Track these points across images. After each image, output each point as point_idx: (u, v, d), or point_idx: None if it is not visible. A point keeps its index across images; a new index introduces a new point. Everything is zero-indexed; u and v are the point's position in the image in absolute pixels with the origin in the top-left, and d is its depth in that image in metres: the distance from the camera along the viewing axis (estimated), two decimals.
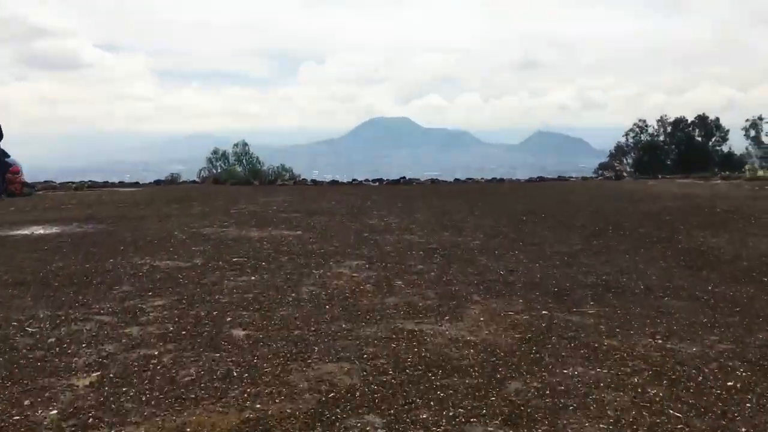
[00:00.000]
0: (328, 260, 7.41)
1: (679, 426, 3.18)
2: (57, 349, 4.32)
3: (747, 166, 41.88)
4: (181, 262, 7.36)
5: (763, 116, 40.35)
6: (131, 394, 3.57)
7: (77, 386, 3.67)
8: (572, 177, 23.21)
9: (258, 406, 3.41)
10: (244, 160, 29.98)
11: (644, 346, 4.35)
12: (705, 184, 19.80)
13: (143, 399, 3.50)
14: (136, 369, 3.90)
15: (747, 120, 41.39)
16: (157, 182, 22.10)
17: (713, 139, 42.22)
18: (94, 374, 3.83)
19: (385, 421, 3.24)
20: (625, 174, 45.87)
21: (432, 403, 3.43)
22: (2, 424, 3.22)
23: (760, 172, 22.44)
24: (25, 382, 3.75)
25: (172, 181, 24.74)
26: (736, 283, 6.25)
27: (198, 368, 3.92)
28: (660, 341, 4.45)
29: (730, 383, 3.68)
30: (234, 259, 7.43)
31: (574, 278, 6.45)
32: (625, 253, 7.87)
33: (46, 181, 21.88)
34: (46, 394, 3.58)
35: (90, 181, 21.93)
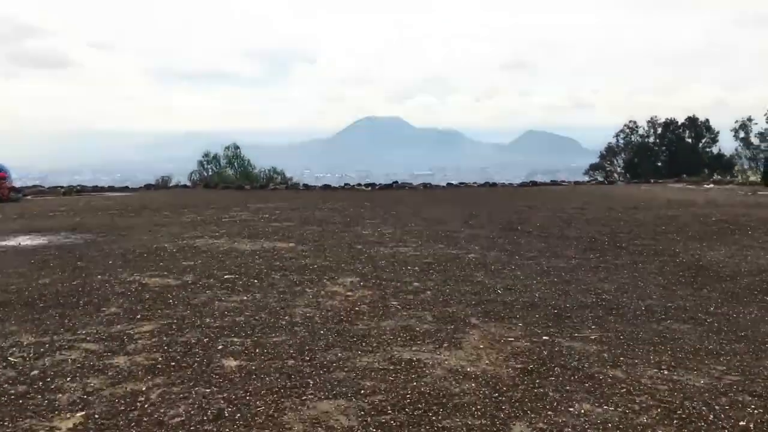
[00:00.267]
0: (321, 277, 7.24)
1: None
2: (40, 383, 4.13)
3: (736, 168, 42.12)
4: (171, 279, 7.17)
5: (752, 117, 40.52)
6: None
7: (60, 429, 3.49)
8: (564, 181, 23.12)
9: None
10: (235, 163, 29.76)
11: (650, 377, 4.20)
12: (698, 189, 19.77)
13: None
14: (122, 408, 3.72)
15: (736, 121, 41.58)
16: (148, 186, 21.88)
17: (703, 141, 42.39)
18: (79, 414, 3.65)
19: None
20: (616, 176, 46.03)
21: None
22: None
23: (753, 177, 22.40)
24: (5, 423, 3.57)
25: (163, 184, 24.53)
26: (739, 304, 6.12)
27: (188, 406, 3.74)
28: (666, 372, 4.31)
29: (742, 423, 3.54)
30: (225, 276, 7.25)
31: (574, 297, 6.31)
32: (623, 269, 7.74)
33: (34, 186, 21.63)
34: None
35: (79, 185, 21.68)
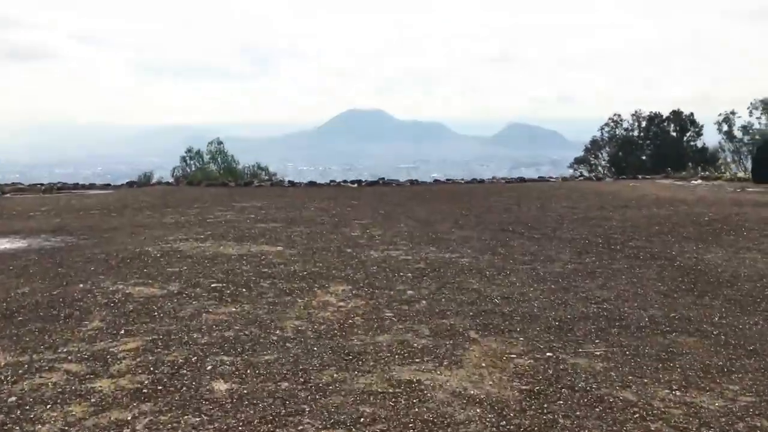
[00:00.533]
0: (312, 285, 7.01)
1: None
2: (18, 411, 3.88)
3: (720, 161, 42.38)
4: (156, 288, 6.90)
5: (735, 111, 40.78)
6: None
7: None
8: (552, 177, 22.99)
9: None
10: (219, 159, 29.37)
11: (662, 399, 4.02)
12: (686, 186, 19.72)
13: None
14: None
15: (720, 114, 41.84)
16: (130, 184, 21.45)
17: (688, 134, 42.59)
18: None
19: None
20: (601, 169, 46.09)
21: None
22: None
23: (741, 174, 22.43)
24: None
25: (145, 181, 24.12)
26: (743, 313, 5.97)
27: None
28: (678, 393, 4.13)
29: None
30: (212, 285, 6.99)
31: (574, 307, 6.13)
32: (621, 274, 7.58)
33: (13, 183, 21.16)
34: None
35: (60, 182, 21.23)
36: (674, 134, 42.33)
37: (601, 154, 45.57)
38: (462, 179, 22.62)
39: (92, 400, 4.03)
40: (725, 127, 40.93)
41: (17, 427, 3.68)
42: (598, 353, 4.89)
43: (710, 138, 41.72)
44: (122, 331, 5.41)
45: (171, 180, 25.50)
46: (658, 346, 5.03)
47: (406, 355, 4.83)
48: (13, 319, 5.82)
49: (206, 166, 28.57)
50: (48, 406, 3.95)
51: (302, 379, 4.35)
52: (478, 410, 3.87)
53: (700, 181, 20.78)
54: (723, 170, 38.19)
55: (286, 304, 6.25)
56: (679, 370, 4.55)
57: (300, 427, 3.64)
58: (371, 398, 4.04)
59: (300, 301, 6.39)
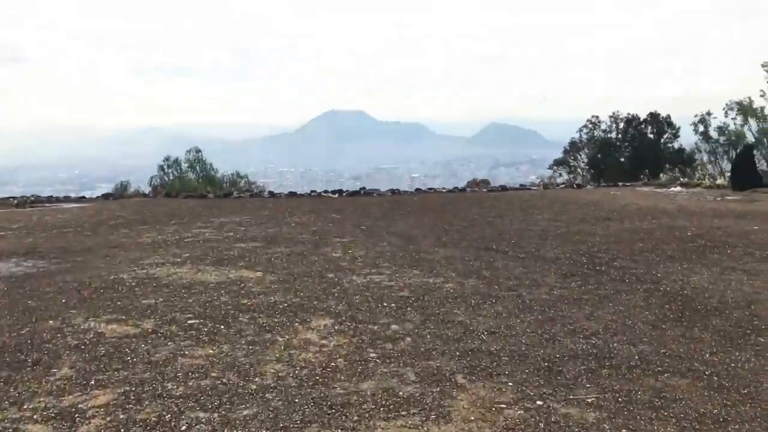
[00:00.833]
0: (293, 320, 6.78)
1: None
2: None
3: (697, 161, 42.75)
4: (130, 325, 6.64)
5: (711, 112, 41.24)
6: None
7: None
8: (534, 186, 22.93)
9: None
10: (197, 167, 29.02)
11: None
12: (666, 193, 19.74)
13: None
14: None
15: (696, 116, 42.29)
16: (106, 196, 21.05)
17: (665, 137, 43.00)
18: None
19: None
20: (580, 171, 46.31)
21: None
22: None
23: (719, 180, 22.53)
24: None
25: (122, 191, 23.73)
26: (733, 348, 5.84)
27: None
28: None
29: None
30: (189, 321, 6.74)
31: (562, 343, 5.96)
32: (608, 301, 7.44)
33: None
34: None
35: (33, 195, 20.79)
36: (651, 136, 42.74)
37: (580, 156, 45.89)
38: (444, 188, 22.49)
39: None
40: (701, 128, 41.37)
41: None
42: (589, 400, 4.72)
43: (687, 137, 42.21)
44: (92, 381, 5.15)
45: (148, 190, 25.12)
46: (651, 391, 4.88)
47: (391, 406, 4.63)
48: None
49: (184, 174, 28.20)
50: None
51: None
52: None
53: (679, 188, 20.82)
54: (701, 171, 38.52)
55: (266, 344, 6.03)
56: (674, 420, 4.39)
57: None
58: None
59: (280, 339, 6.17)
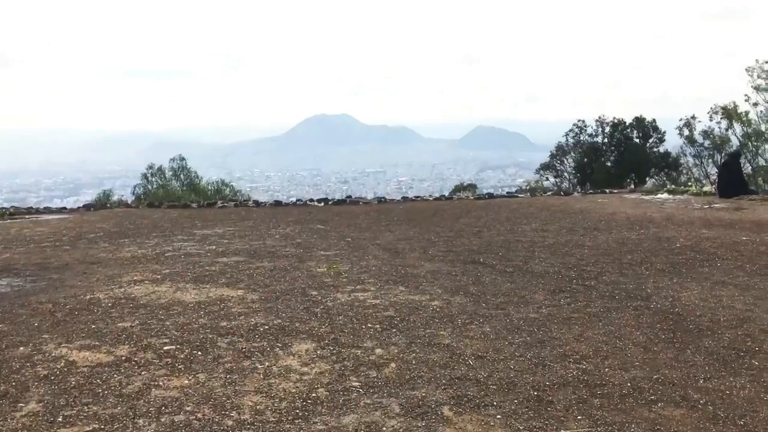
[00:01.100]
0: (273, 344, 6.55)
1: None
2: None
3: (683, 165, 42.95)
4: (103, 352, 6.37)
5: (695, 116, 41.63)
6: None
7: None
8: (520, 193, 22.80)
9: None
10: (181, 175, 28.71)
11: None
12: (653, 201, 19.65)
13: None
14: None
15: (681, 119, 42.66)
16: (87, 207, 20.67)
17: (650, 141, 43.33)
18: None
19: None
20: (568, 177, 46.45)
21: None
22: None
23: (706, 187, 22.49)
24: None
25: (105, 201, 23.38)
26: (728, 373, 5.67)
27: None
28: None
29: None
30: (165, 347, 6.49)
31: (552, 369, 5.77)
32: (598, 320, 7.26)
33: None
34: None
35: (12, 206, 20.41)
36: (637, 140, 43.02)
37: (567, 160, 46.08)
38: (431, 195, 22.31)
39: None
40: (686, 132, 41.73)
41: None
42: None
43: (671, 140, 42.55)
44: (60, 418, 4.89)
45: (131, 199, 24.79)
46: (645, 423, 4.69)
47: None
48: None
49: (168, 183, 27.88)
50: None
51: None
52: None
53: (667, 195, 20.74)
54: (687, 176, 38.63)
55: (245, 372, 5.79)
56: None
57: None
58: None
59: (260, 366, 5.94)
